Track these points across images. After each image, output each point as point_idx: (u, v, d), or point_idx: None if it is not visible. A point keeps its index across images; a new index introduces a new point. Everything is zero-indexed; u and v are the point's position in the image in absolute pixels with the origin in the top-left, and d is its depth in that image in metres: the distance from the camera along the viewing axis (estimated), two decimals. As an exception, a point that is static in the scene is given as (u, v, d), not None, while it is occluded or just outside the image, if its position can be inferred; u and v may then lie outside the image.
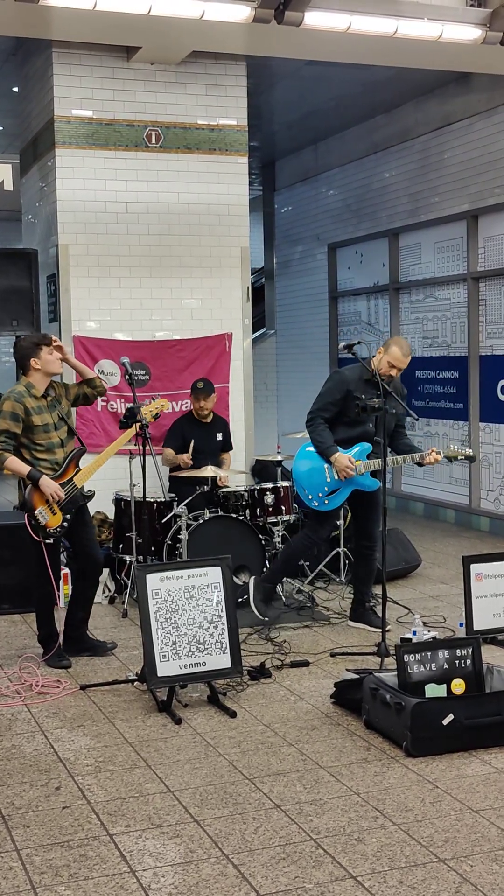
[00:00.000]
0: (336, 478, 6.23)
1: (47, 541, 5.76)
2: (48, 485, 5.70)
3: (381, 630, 5.89)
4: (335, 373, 6.43)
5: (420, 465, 6.35)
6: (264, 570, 7.12)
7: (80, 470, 5.89)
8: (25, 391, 5.81)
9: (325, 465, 6.25)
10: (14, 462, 5.71)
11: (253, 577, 6.62)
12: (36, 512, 5.70)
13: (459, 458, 6.43)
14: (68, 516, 5.80)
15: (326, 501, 6.29)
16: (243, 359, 8.96)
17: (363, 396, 6.09)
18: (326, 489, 6.27)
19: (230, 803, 4.05)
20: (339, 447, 6.22)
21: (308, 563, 7.57)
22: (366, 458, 6.26)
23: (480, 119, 9.80)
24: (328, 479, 6.26)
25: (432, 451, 6.27)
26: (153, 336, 8.69)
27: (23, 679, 5.58)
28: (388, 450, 6.38)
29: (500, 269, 9.65)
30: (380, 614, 6.47)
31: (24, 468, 5.71)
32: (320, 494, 6.27)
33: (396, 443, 6.45)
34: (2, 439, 5.68)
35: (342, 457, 6.17)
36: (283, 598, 7.15)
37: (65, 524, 5.79)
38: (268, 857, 3.60)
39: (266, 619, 6.34)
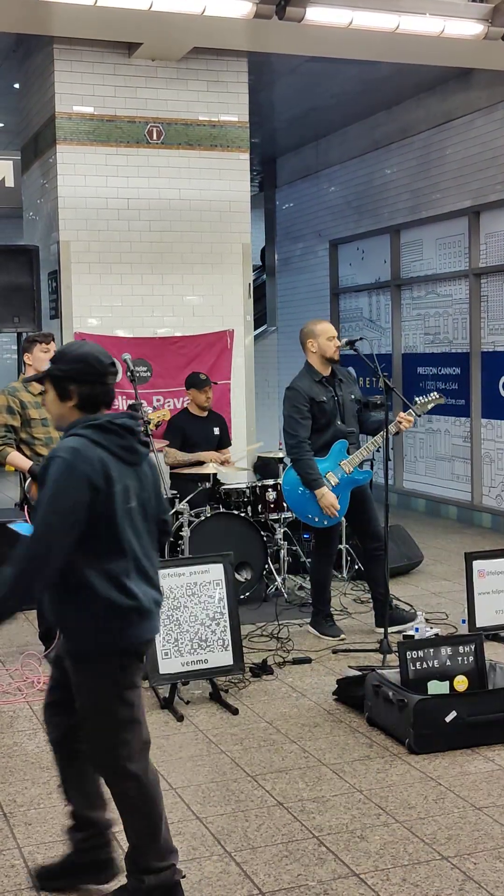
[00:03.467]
0: (330, 485, 6.16)
1: None
2: None
3: (410, 622, 5.96)
4: (289, 389, 6.28)
5: (397, 433, 6.20)
6: (265, 569, 7.13)
7: None
8: (21, 386, 5.87)
9: None
10: (16, 457, 5.74)
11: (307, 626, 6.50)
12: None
13: (430, 406, 6.29)
14: None
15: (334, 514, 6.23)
16: (245, 355, 8.95)
17: (325, 399, 6.16)
18: None
19: (232, 801, 4.04)
20: (324, 481, 6.08)
21: (310, 560, 7.56)
22: (346, 454, 6.19)
23: (482, 115, 9.78)
24: None
25: (401, 416, 6.11)
26: (155, 333, 8.68)
27: (25, 676, 5.57)
28: (361, 436, 6.34)
29: (501, 266, 9.64)
30: (404, 607, 6.48)
31: (26, 462, 5.73)
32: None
33: (365, 425, 6.41)
34: (1, 433, 5.71)
35: (328, 495, 6.05)
36: (286, 595, 7.15)
37: None
38: (270, 854, 3.59)
39: (342, 636, 6.26)
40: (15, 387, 5.88)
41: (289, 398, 6.26)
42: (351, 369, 6.75)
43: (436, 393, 6.38)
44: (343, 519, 7.45)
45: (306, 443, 6.14)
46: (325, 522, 6.19)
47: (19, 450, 5.79)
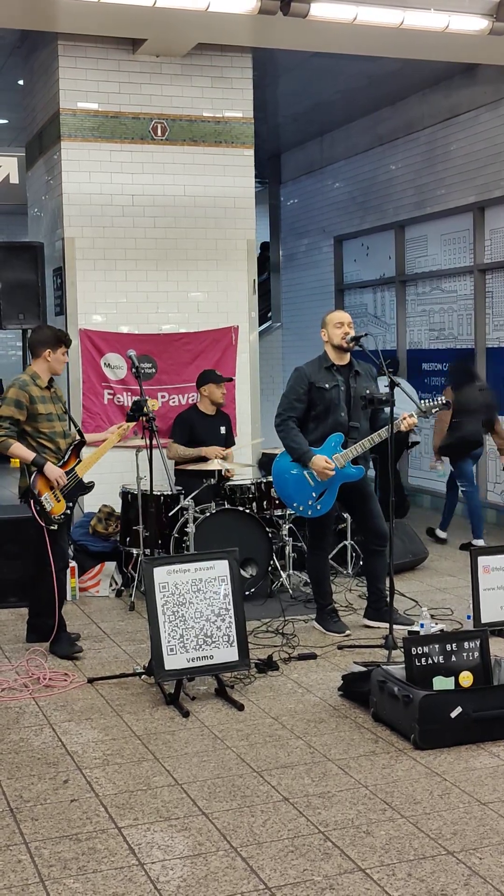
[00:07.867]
0: (319, 479, 6.15)
1: (51, 527, 5.83)
2: (53, 470, 5.80)
3: (405, 626, 5.96)
4: (295, 370, 6.32)
5: (397, 433, 6.13)
6: (270, 565, 7.14)
7: (80, 461, 5.97)
8: (30, 380, 5.90)
9: (305, 471, 6.12)
10: (18, 448, 5.79)
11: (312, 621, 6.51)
12: (42, 498, 5.79)
13: (433, 411, 6.29)
14: (71, 504, 5.90)
15: (319, 506, 6.16)
16: (249, 352, 8.95)
17: (327, 386, 6.15)
18: (314, 494, 6.14)
19: (238, 796, 4.05)
20: (313, 449, 6.10)
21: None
22: (341, 448, 6.16)
23: (487, 111, 9.76)
24: (312, 484, 6.12)
25: (404, 416, 6.08)
26: (159, 329, 8.67)
27: (30, 672, 5.58)
28: (362, 431, 6.33)
29: (506, 261, 9.64)
30: (399, 610, 6.48)
31: (29, 454, 5.80)
32: (310, 502, 6.14)
33: (374, 423, 6.38)
34: (5, 426, 5.77)
35: (318, 459, 6.05)
36: (291, 592, 7.15)
37: (68, 511, 5.91)
38: (276, 849, 3.60)
39: (347, 632, 6.27)
40: (25, 380, 5.91)
41: (291, 378, 6.32)
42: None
43: (442, 398, 6.38)
44: (345, 514, 7.48)
45: (292, 419, 6.17)
46: (309, 513, 6.19)
47: (23, 442, 5.84)
